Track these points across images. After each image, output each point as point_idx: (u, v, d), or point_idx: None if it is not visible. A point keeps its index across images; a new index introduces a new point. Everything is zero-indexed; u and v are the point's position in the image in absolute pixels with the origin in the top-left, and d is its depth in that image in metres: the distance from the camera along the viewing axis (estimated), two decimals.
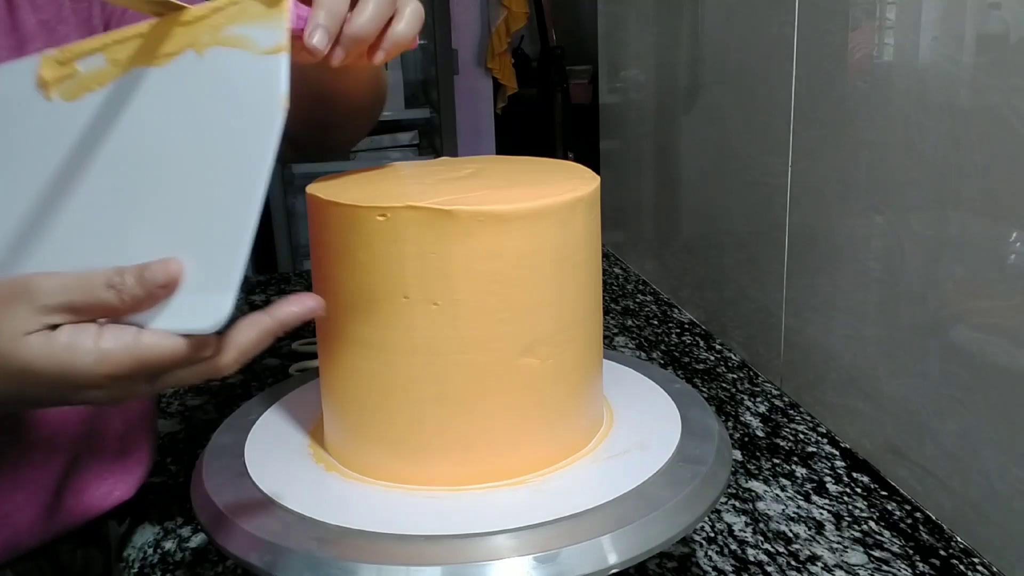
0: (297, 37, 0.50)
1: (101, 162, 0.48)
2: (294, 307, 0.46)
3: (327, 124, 0.75)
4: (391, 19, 0.54)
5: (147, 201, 0.47)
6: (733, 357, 1.10)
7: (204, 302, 0.43)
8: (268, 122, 0.43)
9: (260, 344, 0.46)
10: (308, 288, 0.54)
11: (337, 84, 0.67)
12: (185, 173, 0.46)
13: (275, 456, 0.61)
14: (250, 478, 0.58)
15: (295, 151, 0.80)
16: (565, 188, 0.57)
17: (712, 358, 1.11)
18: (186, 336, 0.43)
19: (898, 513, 0.77)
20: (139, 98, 0.48)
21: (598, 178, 0.60)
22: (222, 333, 0.45)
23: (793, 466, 0.85)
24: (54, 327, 0.44)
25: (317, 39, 0.50)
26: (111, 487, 0.72)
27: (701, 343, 1.16)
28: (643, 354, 1.13)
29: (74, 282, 0.44)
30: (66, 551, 0.70)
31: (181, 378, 0.45)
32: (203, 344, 0.44)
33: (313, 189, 0.58)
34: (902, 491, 0.80)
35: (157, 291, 0.43)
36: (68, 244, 0.48)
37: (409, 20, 0.54)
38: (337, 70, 0.56)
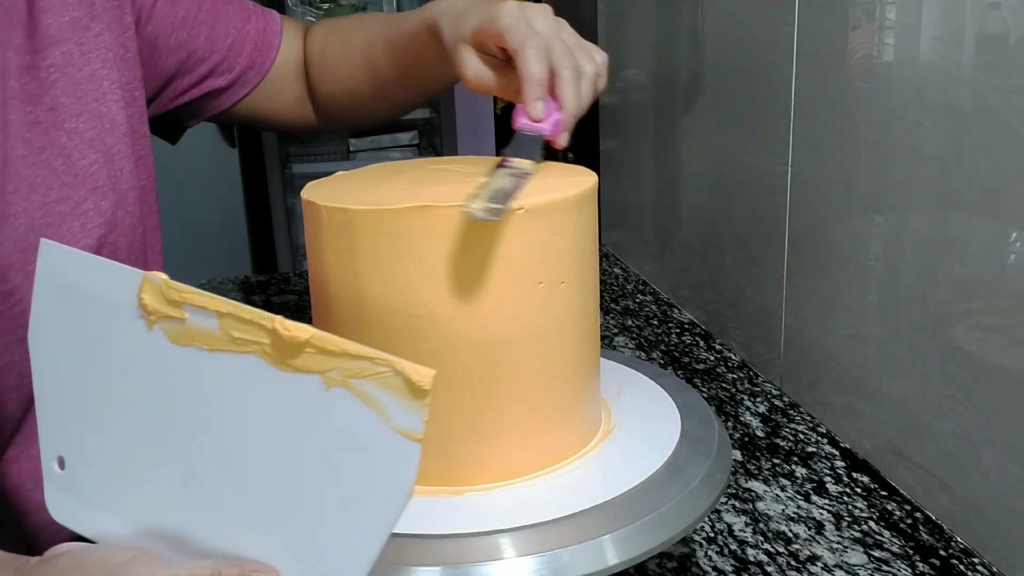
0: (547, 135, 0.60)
1: (204, 427, 0.45)
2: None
3: (397, 101, 0.83)
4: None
5: (248, 496, 0.44)
6: (733, 357, 1.10)
7: None
8: (391, 501, 0.41)
9: None
10: (307, 289, 0.54)
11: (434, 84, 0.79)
12: (294, 491, 0.43)
13: None
14: None
15: (327, 121, 0.86)
16: (560, 186, 0.57)
17: (712, 358, 1.11)
18: None
19: (898, 513, 0.77)
20: (253, 388, 0.44)
21: (595, 176, 0.60)
22: None
23: (793, 466, 0.85)
24: None
25: (563, 140, 0.61)
26: None
27: (701, 343, 1.16)
28: (643, 354, 1.13)
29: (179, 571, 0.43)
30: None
31: None
32: None
33: (308, 193, 0.58)
34: (902, 491, 0.80)
35: None
36: (148, 484, 0.46)
37: (605, 77, 0.64)
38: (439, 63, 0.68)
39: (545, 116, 0.60)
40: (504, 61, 0.63)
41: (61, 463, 0.49)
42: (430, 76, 0.76)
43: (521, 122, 0.61)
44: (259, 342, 0.43)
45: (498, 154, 0.61)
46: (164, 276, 0.45)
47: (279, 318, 0.43)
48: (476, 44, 0.64)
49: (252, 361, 0.43)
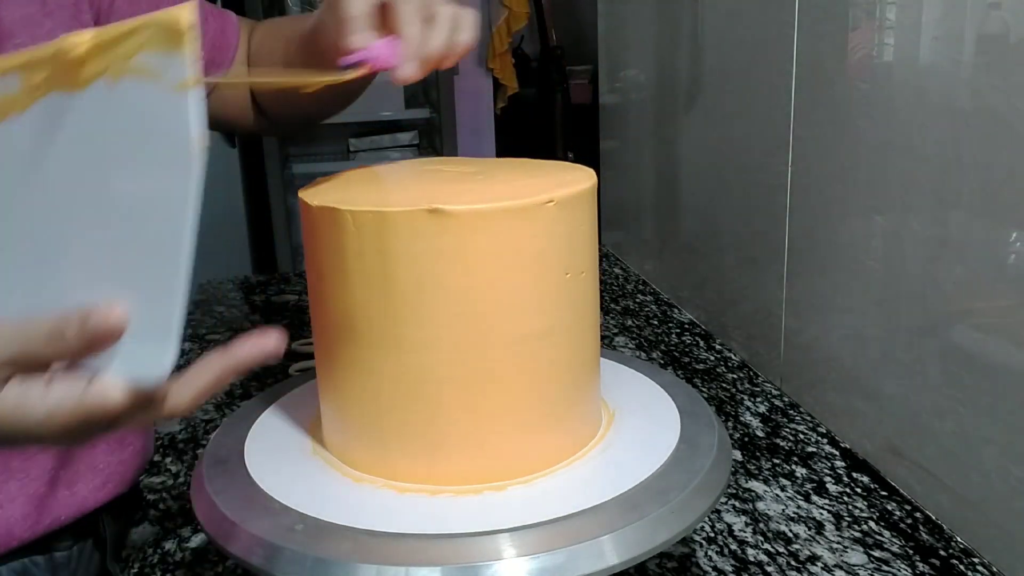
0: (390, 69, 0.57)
1: (26, 195, 0.45)
2: (252, 348, 0.45)
3: (300, 103, 0.78)
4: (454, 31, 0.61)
5: (79, 240, 0.44)
6: (733, 357, 1.10)
7: (148, 351, 0.41)
8: (185, 167, 0.40)
9: (218, 385, 0.45)
10: (307, 288, 0.54)
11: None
12: (111, 213, 0.43)
13: (275, 456, 0.61)
14: (250, 478, 0.58)
15: (269, 124, 0.83)
16: (559, 184, 0.57)
17: (712, 358, 1.11)
18: (133, 388, 0.42)
19: (898, 513, 0.77)
20: (57, 127, 0.44)
21: (594, 176, 0.60)
22: (177, 375, 0.43)
23: (793, 466, 0.85)
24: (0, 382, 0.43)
25: (406, 72, 0.58)
26: (105, 480, 0.71)
27: (701, 343, 1.16)
28: (643, 354, 1.13)
29: (13, 334, 0.42)
30: (62, 549, 0.70)
31: (135, 422, 0.44)
32: (150, 395, 0.43)
33: (304, 194, 0.58)
34: (902, 491, 0.80)
35: (101, 339, 0.42)
36: (12, 295, 0.45)
37: (469, 28, 0.61)
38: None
39: (368, 47, 0.59)
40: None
41: None
42: (332, 67, 0.75)
43: (341, 61, 0.60)
44: (56, 73, 0.43)
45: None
46: None
47: (52, 44, 0.43)
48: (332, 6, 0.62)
49: (52, 100, 0.43)
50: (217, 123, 0.83)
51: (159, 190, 0.41)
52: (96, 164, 0.43)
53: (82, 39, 0.42)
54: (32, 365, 0.43)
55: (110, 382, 0.42)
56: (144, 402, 0.43)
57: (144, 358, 0.42)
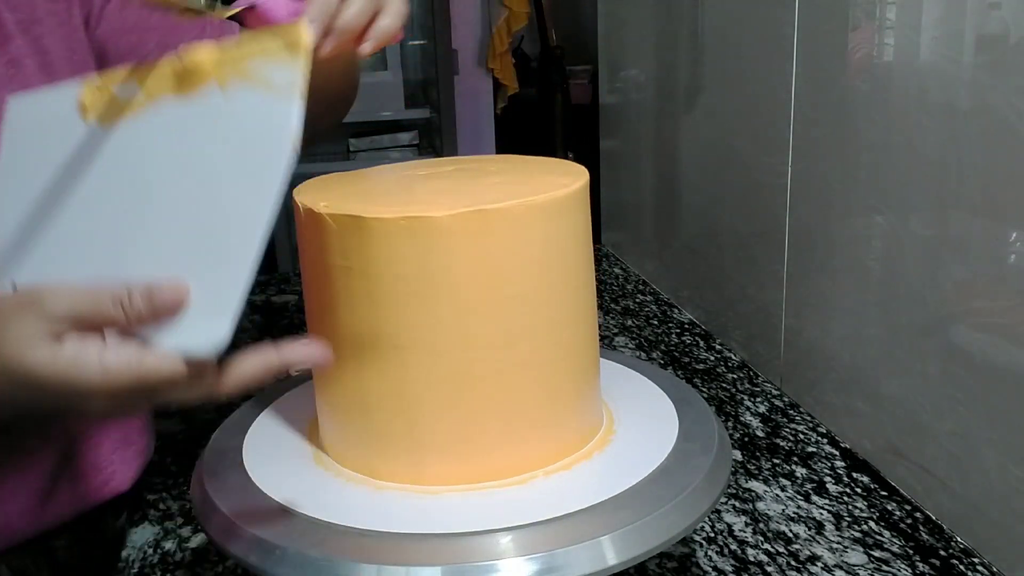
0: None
1: (124, 184, 0.50)
2: (303, 354, 0.48)
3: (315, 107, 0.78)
4: (377, 14, 0.58)
5: (162, 224, 0.48)
6: (733, 357, 1.10)
7: (205, 325, 0.45)
8: (277, 158, 0.45)
9: (263, 378, 0.47)
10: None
11: (319, 77, 0.70)
12: (199, 200, 0.48)
13: (275, 456, 0.61)
14: (250, 478, 0.58)
15: None
16: (551, 185, 0.57)
17: (712, 358, 1.11)
18: (188, 360, 0.45)
19: (898, 513, 0.77)
20: (165, 127, 0.50)
21: (586, 173, 0.60)
22: (227, 359, 0.46)
23: (793, 466, 0.85)
24: (61, 338, 0.45)
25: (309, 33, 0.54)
26: (107, 477, 0.72)
27: (701, 343, 1.16)
28: (643, 354, 1.13)
29: (83, 296, 0.45)
30: (63, 547, 0.70)
31: (179, 397, 0.46)
32: (204, 369, 0.45)
33: (300, 196, 0.58)
34: (902, 491, 0.80)
35: (164, 311, 0.45)
36: (84, 255, 0.50)
37: (393, 14, 0.58)
38: (321, 62, 0.57)
39: None
40: None
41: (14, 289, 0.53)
42: (322, 74, 0.74)
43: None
44: (171, 82, 0.50)
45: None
46: (100, 74, 0.53)
47: (182, 54, 0.50)
48: None
49: (166, 103, 0.50)
50: None
51: (252, 181, 0.46)
52: (195, 156, 0.48)
53: (206, 52, 0.49)
54: (93, 325, 0.45)
55: (166, 350, 0.45)
56: (195, 375, 0.45)
57: (200, 333, 0.45)
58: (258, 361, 0.47)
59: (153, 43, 0.75)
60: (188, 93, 0.49)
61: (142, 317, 0.45)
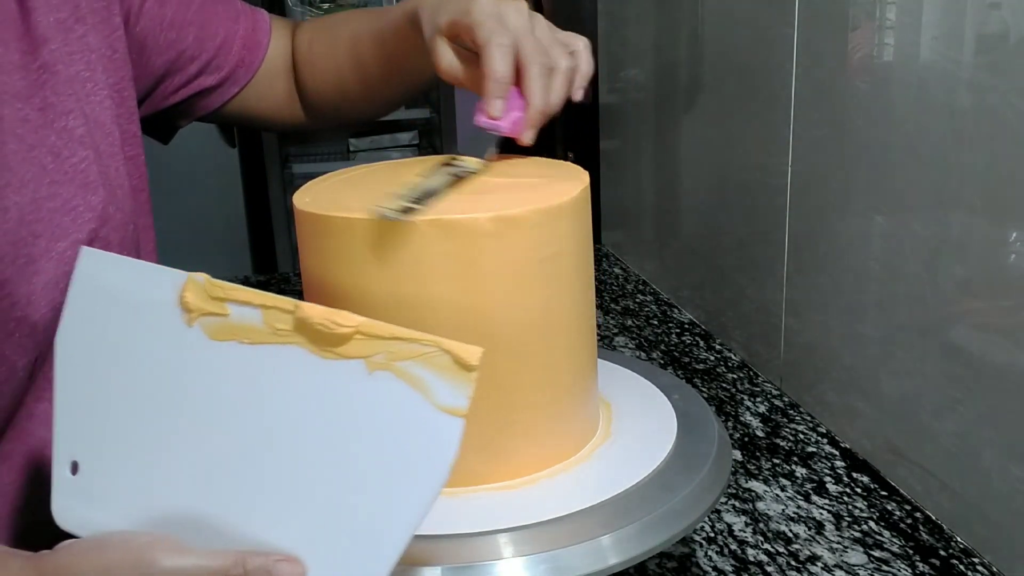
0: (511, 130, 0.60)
1: (240, 420, 0.45)
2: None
3: (383, 96, 0.83)
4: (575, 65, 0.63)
5: (285, 484, 0.45)
6: (733, 357, 1.10)
7: None
8: (431, 481, 0.42)
9: None
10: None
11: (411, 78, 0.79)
12: (334, 478, 0.44)
13: None
14: None
15: (313, 120, 0.86)
16: (553, 190, 0.56)
17: (712, 358, 1.11)
18: None
19: (898, 513, 0.77)
20: (294, 377, 0.44)
21: (587, 177, 0.60)
22: None
23: (793, 466, 0.85)
24: None
25: (527, 138, 0.61)
26: None
27: (701, 343, 1.16)
28: (643, 354, 1.13)
29: (198, 561, 0.43)
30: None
31: None
32: None
33: (299, 198, 0.58)
34: (902, 491, 0.80)
35: None
36: (183, 485, 0.46)
37: (588, 59, 0.63)
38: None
39: (503, 114, 0.60)
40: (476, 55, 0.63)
41: (74, 468, 0.49)
42: (413, 68, 0.77)
43: (481, 120, 0.61)
44: (304, 333, 0.44)
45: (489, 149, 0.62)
46: (207, 275, 0.46)
47: (324, 311, 0.44)
48: (451, 36, 0.64)
49: (294, 351, 0.44)
50: (251, 119, 0.84)
51: (400, 487, 0.42)
52: (332, 427, 0.44)
53: (350, 321, 0.43)
54: None
55: None
56: None
57: None
58: None
59: (191, 37, 0.76)
60: (325, 354, 0.44)
61: None
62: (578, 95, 0.63)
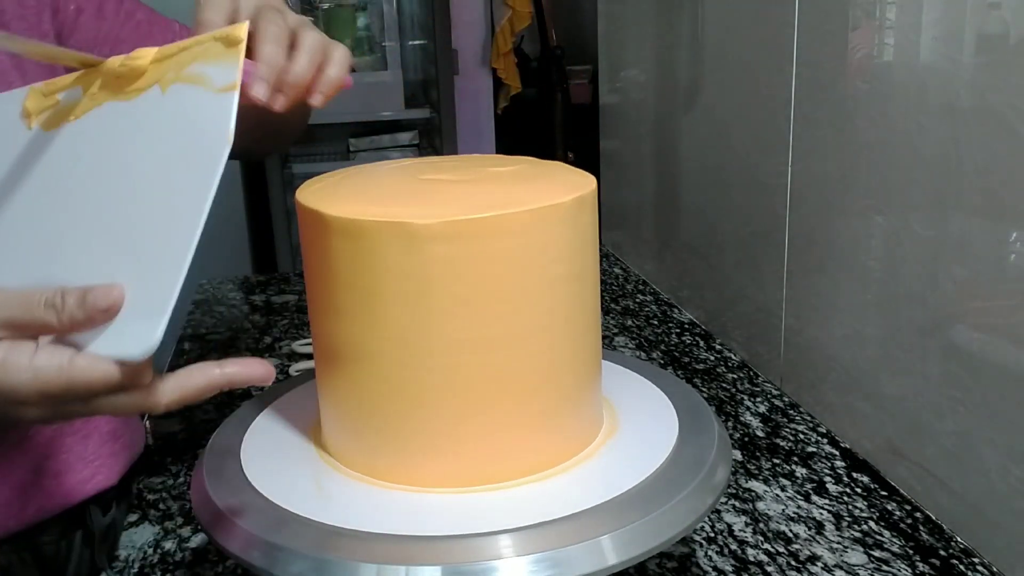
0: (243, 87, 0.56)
1: (61, 188, 0.50)
2: (244, 372, 0.48)
3: (262, 139, 0.82)
4: (323, 64, 0.59)
5: (97, 227, 0.48)
6: (733, 357, 1.10)
7: (136, 328, 0.43)
8: (214, 155, 0.45)
9: (203, 393, 0.47)
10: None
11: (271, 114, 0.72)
12: (134, 202, 0.47)
13: (275, 456, 0.61)
14: (250, 478, 0.58)
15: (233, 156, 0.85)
16: (559, 190, 0.56)
17: (712, 358, 1.11)
18: (119, 363, 0.43)
19: (898, 513, 0.77)
20: (106, 129, 0.50)
21: (593, 180, 0.60)
22: (167, 371, 0.45)
23: (793, 466, 0.85)
24: None
25: (257, 91, 0.55)
26: (94, 471, 0.71)
27: (701, 343, 1.16)
28: (643, 354, 1.13)
29: (14, 299, 0.45)
30: (49, 542, 0.70)
31: (116, 404, 0.45)
32: (135, 373, 0.44)
33: (302, 196, 0.58)
34: (902, 491, 0.80)
35: (97, 315, 0.44)
36: (21, 261, 0.50)
37: (338, 64, 0.59)
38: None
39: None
40: None
41: None
42: (276, 120, 0.75)
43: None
44: (113, 85, 0.50)
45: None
46: (47, 81, 0.53)
47: (123, 56, 0.51)
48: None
49: (106, 107, 0.50)
50: None
51: (187, 179, 0.46)
52: (132, 158, 0.48)
53: (145, 54, 0.49)
54: (25, 330, 0.45)
55: (96, 355, 0.44)
56: (127, 381, 0.44)
57: (132, 336, 0.44)
58: (199, 376, 0.46)
59: (127, 52, 0.76)
60: (128, 95, 0.49)
61: (75, 321, 0.44)
62: (318, 98, 0.59)
